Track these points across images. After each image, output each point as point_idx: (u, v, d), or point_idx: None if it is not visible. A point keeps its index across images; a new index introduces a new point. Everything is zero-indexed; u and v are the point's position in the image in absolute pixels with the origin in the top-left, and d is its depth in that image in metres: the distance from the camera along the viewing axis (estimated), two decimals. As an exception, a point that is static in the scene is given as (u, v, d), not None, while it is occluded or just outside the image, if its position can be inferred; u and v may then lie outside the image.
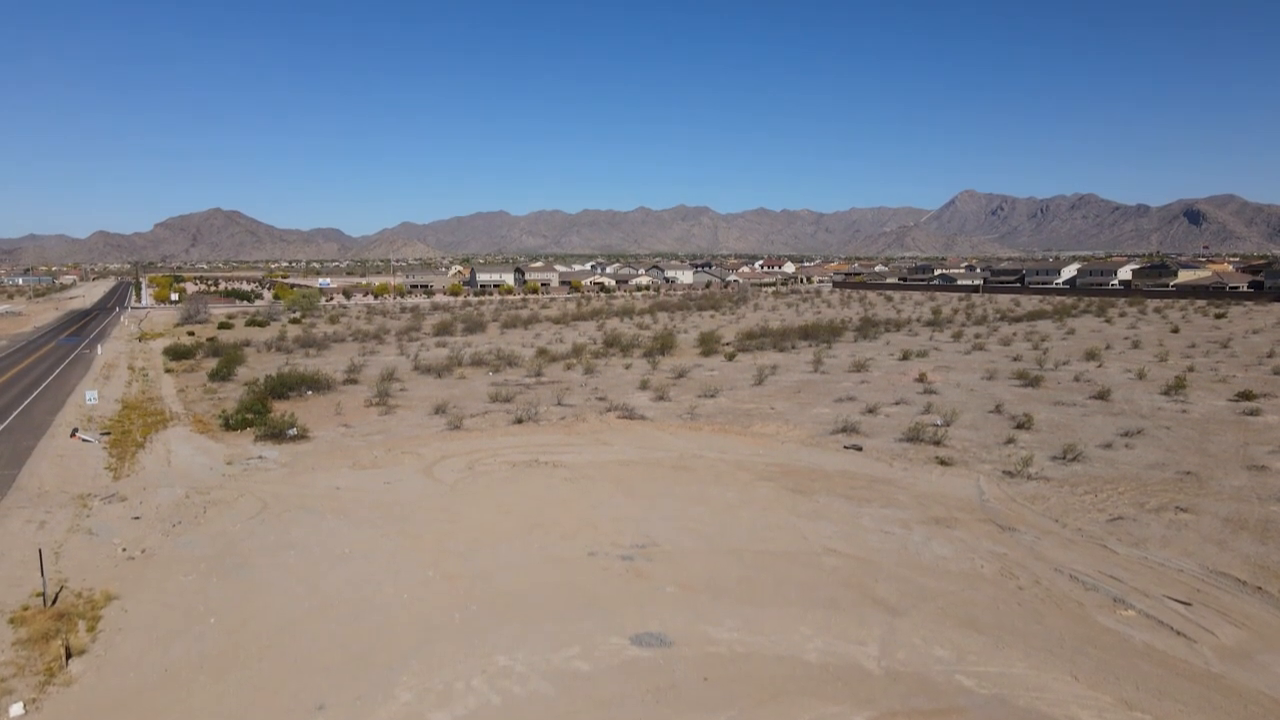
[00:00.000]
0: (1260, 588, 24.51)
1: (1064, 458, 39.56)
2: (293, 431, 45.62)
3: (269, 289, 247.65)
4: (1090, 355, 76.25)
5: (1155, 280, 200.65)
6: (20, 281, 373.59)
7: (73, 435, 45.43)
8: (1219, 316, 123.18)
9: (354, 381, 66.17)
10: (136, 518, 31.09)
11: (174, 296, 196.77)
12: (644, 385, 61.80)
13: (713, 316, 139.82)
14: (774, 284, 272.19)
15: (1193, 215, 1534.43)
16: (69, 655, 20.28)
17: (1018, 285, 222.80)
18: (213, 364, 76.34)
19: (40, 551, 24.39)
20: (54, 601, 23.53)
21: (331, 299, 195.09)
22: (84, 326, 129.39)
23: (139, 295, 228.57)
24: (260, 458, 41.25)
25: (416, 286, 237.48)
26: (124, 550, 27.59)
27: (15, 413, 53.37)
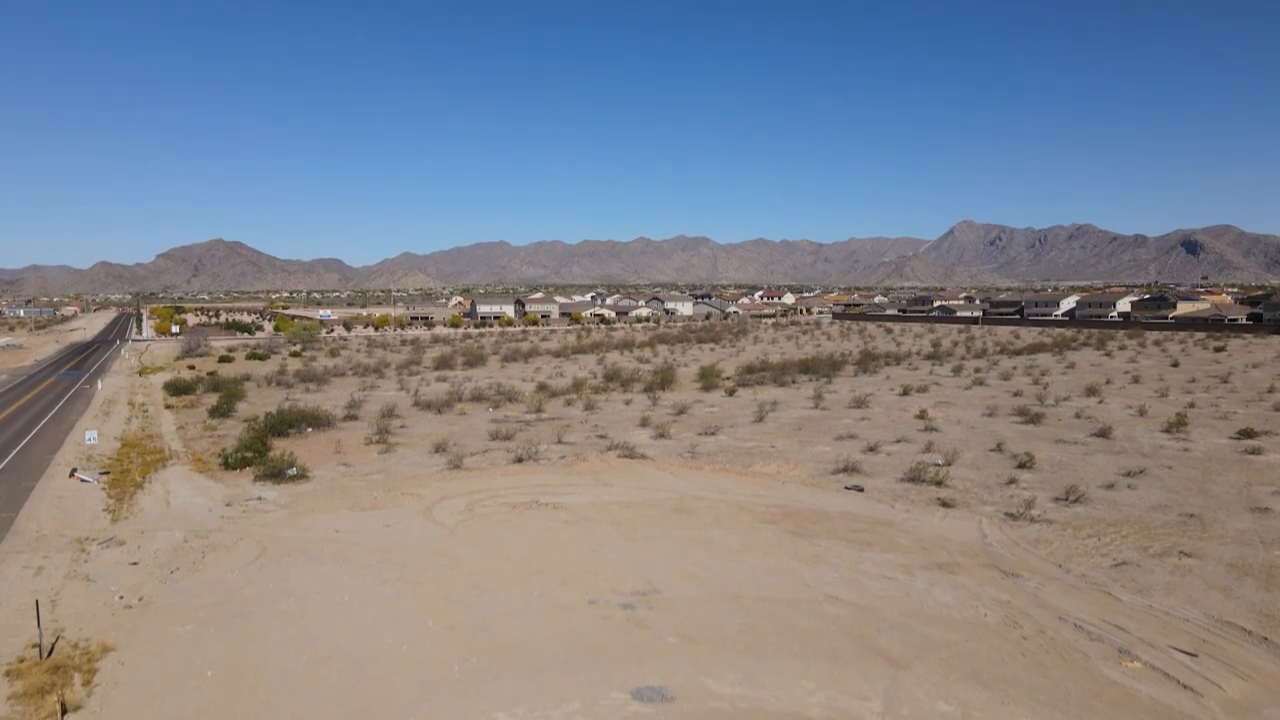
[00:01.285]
0: (1266, 638, 24.31)
1: (1066, 499, 39.41)
2: (292, 471, 45.48)
3: (270, 320, 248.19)
4: (1091, 391, 76.24)
5: (1154, 312, 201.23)
6: (22, 313, 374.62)
7: (71, 475, 45.31)
8: (1219, 350, 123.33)
9: (354, 418, 66.09)
10: (134, 563, 30.90)
11: (175, 329, 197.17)
12: (644, 422, 61.74)
13: (713, 349, 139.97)
14: (773, 315, 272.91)
15: (1190, 245, 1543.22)
16: (64, 711, 20.07)
17: (1017, 317, 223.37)
18: (213, 399, 76.39)
19: (37, 603, 24.22)
20: (50, 653, 23.31)
21: (332, 331, 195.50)
22: (84, 360, 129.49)
23: (140, 327, 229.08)
24: (259, 498, 41.09)
25: (417, 318, 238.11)
26: (121, 598, 27.40)
27: (14, 451, 53.25)
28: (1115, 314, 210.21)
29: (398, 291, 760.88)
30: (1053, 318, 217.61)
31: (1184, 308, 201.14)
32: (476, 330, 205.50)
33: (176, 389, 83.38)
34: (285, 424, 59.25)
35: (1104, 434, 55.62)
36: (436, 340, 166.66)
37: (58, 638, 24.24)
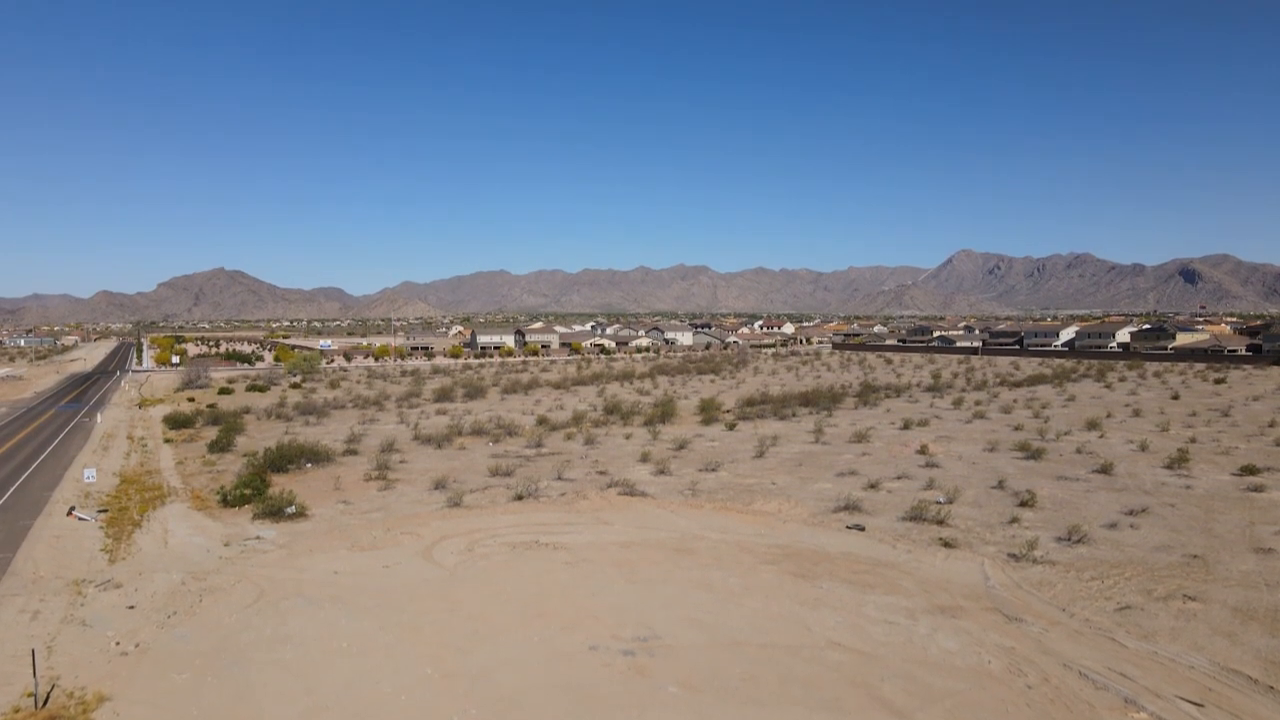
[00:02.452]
0: (1272, 687, 24.07)
1: (1069, 539, 39.21)
2: (291, 509, 45.27)
3: (270, 351, 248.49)
4: (1091, 425, 76.10)
5: (1154, 343, 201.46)
6: (22, 343, 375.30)
7: (69, 514, 45.11)
8: (1219, 382, 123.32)
9: (354, 452, 65.95)
10: (131, 607, 30.68)
11: (175, 359, 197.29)
12: (644, 457, 61.60)
13: (713, 381, 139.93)
14: (773, 345, 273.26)
15: (1188, 274, 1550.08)
16: (58, 765, 19.82)
17: (1016, 347, 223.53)
18: (212, 433, 76.34)
19: (33, 651, 23.98)
20: (45, 702, 23.09)
21: (332, 361, 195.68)
22: (84, 392, 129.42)
23: (140, 357, 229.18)
24: (258, 538, 40.88)
25: (417, 348, 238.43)
26: (118, 644, 27.17)
27: (13, 488, 53.04)
28: (1115, 345, 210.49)
29: (398, 320, 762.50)
30: (1052, 348, 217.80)
31: (1183, 339, 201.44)
32: (477, 361, 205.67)
33: (176, 422, 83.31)
34: (284, 460, 59.09)
35: (1105, 470, 55.47)
36: (436, 371, 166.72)
37: (53, 686, 24.03)
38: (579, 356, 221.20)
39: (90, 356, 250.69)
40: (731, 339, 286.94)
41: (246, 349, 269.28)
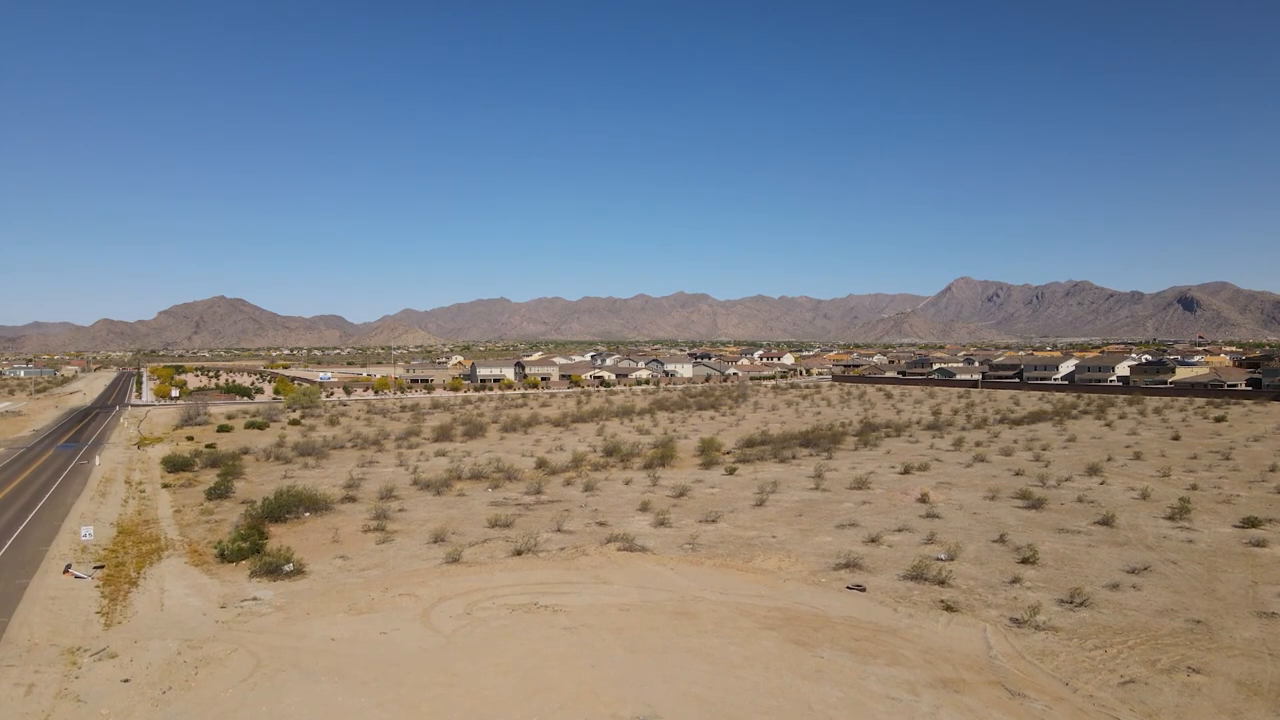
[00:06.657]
0: (1279, 774, 23.81)
1: (1071, 601, 38.94)
2: (288, 566, 45.01)
3: (270, 381, 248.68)
4: (1092, 470, 75.91)
5: (1153, 377, 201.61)
6: (22, 373, 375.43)
7: (65, 571, 44.86)
8: (1219, 420, 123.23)
9: (352, 499, 65.80)
10: (126, 680, 30.40)
11: (174, 392, 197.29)
12: (644, 507, 61.39)
13: (712, 417, 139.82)
14: (773, 377, 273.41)
15: (1187, 302, 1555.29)
16: None
17: (1016, 381, 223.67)
18: (211, 476, 76.25)
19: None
20: (37, 792, 22.82)
21: (331, 395, 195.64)
22: (83, 429, 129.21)
23: (139, 390, 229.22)
24: (255, 599, 40.62)
25: (417, 381, 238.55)
26: (112, 724, 26.90)
27: (9, 542, 52.72)
28: (1114, 378, 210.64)
29: (397, 349, 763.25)
30: (1052, 381, 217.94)
31: (1183, 372, 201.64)
32: (476, 394, 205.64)
33: (174, 465, 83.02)
34: (282, 509, 58.83)
35: (1107, 522, 55.25)
36: (436, 406, 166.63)
37: (46, 774, 23.74)
38: (579, 389, 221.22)
39: (90, 389, 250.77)
40: (731, 370, 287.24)
41: (246, 380, 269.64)
